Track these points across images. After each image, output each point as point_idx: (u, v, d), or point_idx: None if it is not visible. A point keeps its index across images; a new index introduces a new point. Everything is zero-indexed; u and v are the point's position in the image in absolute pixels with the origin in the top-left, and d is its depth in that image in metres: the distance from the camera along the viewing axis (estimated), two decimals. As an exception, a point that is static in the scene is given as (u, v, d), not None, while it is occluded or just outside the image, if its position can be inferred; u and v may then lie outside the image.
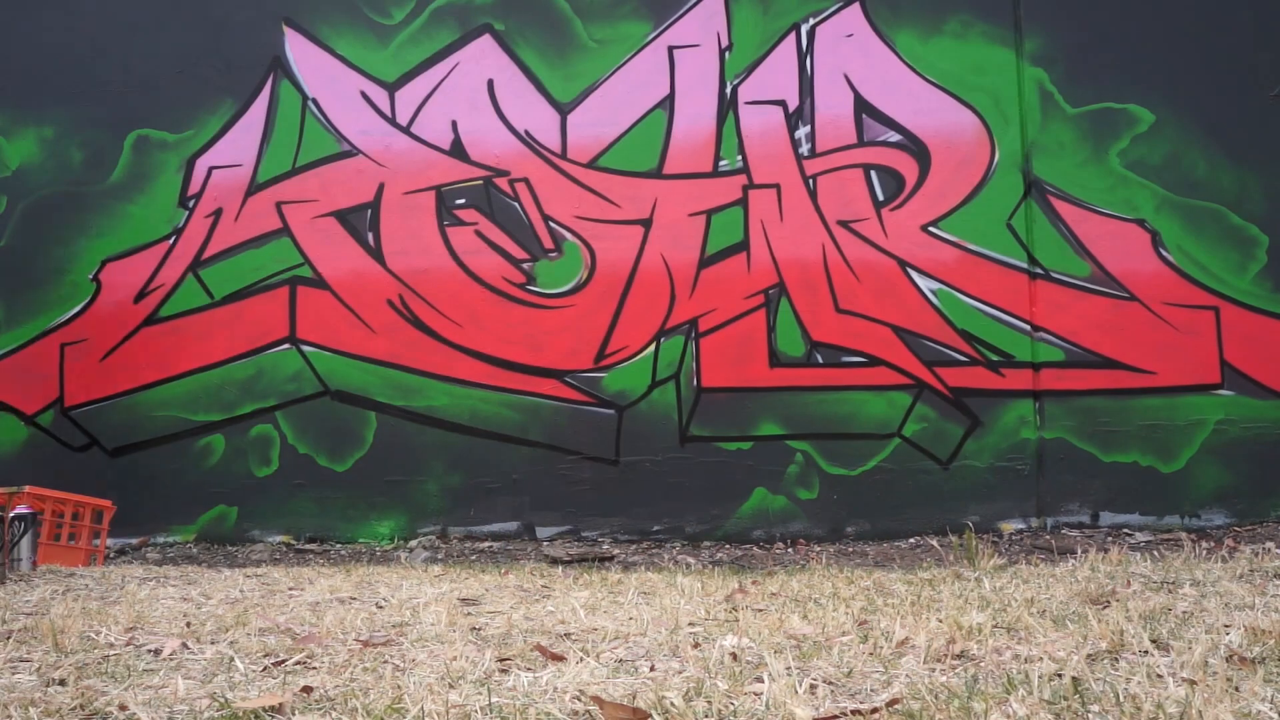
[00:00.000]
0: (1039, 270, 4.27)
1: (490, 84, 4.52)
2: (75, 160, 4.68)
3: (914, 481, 4.28)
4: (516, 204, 4.48)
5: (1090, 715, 1.29)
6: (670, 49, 4.47)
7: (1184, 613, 2.04)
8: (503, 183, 4.49)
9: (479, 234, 4.47)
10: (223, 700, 1.45)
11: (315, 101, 4.59)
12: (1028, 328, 4.25)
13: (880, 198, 4.34)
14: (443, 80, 4.54)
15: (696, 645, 1.82)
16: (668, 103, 4.45)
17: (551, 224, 4.46)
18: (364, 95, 4.58)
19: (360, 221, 4.53)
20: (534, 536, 4.40)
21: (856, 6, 4.40)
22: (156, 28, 4.69)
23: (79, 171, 4.67)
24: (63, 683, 1.61)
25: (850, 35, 4.40)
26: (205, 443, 4.53)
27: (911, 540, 4.18)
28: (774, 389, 4.33)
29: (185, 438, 4.54)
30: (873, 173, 4.35)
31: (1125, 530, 4.16)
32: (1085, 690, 1.39)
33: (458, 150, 4.51)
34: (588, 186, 4.44)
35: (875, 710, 1.34)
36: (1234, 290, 4.21)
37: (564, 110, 4.49)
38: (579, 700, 1.42)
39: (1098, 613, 2.03)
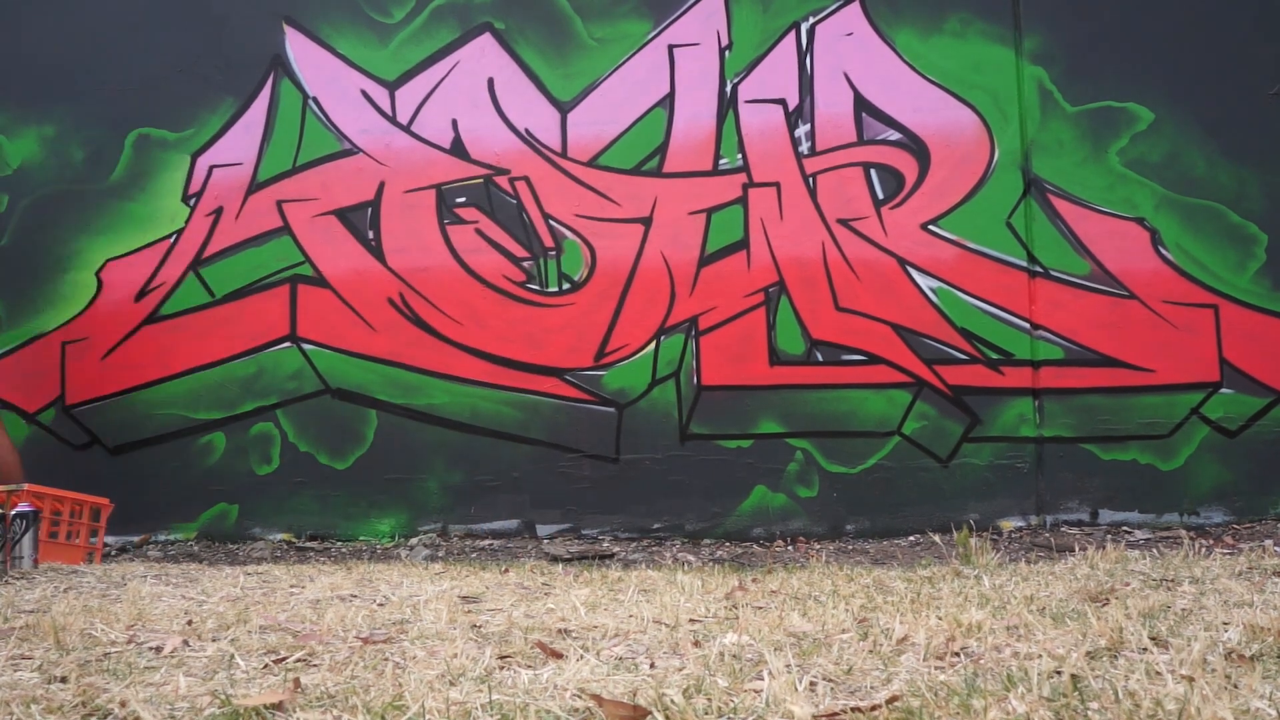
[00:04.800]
0: (1038, 268, 4.27)
1: (490, 82, 4.52)
2: (76, 159, 4.68)
3: (914, 479, 4.28)
4: (517, 202, 4.48)
5: (1089, 712, 1.30)
6: (670, 48, 4.47)
7: (1183, 610, 2.04)
8: (503, 181, 4.49)
9: (479, 232, 4.48)
10: (224, 697, 1.46)
11: (316, 100, 4.60)
12: (1027, 326, 4.26)
13: (880, 196, 4.34)
14: (443, 79, 4.54)
15: (697, 643, 1.83)
16: (668, 101, 4.45)
17: (552, 222, 4.46)
18: (364, 94, 4.58)
19: (361, 220, 4.54)
20: (534, 534, 4.40)
21: (856, 5, 4.40)
22: (157, 27, 4.69)
23: (80, 170, 4.68)
24: (64, 680, 1.62)
25: (850, 34, 4.41)
26: (206, 441, 4.54)
27: (911, 538, 4.19)
28: (774, 387, 4.34)
29: (186, 436, 4.54)
30: (872, 171, 4.35)
31: (1124, 528, 4.17)
32: (1084, 687, 1.40)
33: (458, 149, 4.51)
34: (588, 185, 4.45)
35: (875, 707, 1.35)
36: (1233, 288, 4.22)
37: (564, 109, 4.49)
38: (579, 698, 1.42)
39: (1097, 610, 2.04)
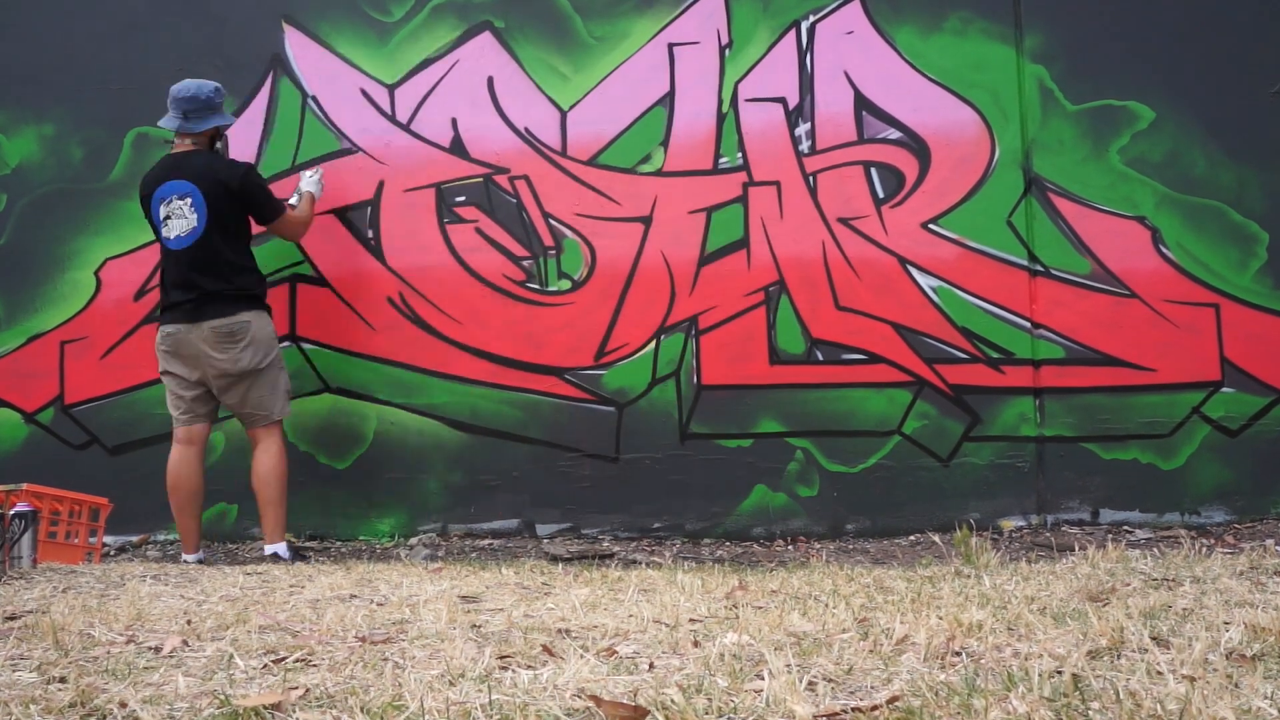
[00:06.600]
0: (1039, 267, 4.26)
1: (490, 81, 4.52)
2: (75, 158, 4.68)
3: (914, 479, 4.28)
4: (516, 201, 4.48)
5: (1090, 712, 1.29)
6: (670, 46, 4.46)
7: (1184, 610, 2.04)
8: (503, 180, 4.49)
9: (479, 231, 4.47)
10: (223, 698, 1.45)
11: (315, 99, 4.59)
12: (1028, 325, 4.25)
13: (880, 195, 4.34)
14: (443, 78, 4.53)
15: (696, 642, 1.82)
16: (668, 100, 4.45)
17: (551, 221, 4.46)
18: (364, 93, 4.57)
19: (360, 219, 4.53)
20: (534, 534, 4.40)
21: (857, 3, 4.40)
22: (156, 25, 4.68)
23: (79, 169, 4.67)
24: (63, 680, 1.61)
25: (850, 32, 4.40)
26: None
27: (912, 537, 4.19)
28: (774, 386, 4.33)
29: (185, 435, 4.53)
30: (873, 170, 4.35)
31: (1125, 527, 4.16)
32: (1085, 687, 1.39)
33: (458, 148, 4.51)
34: (588, 184, 4.44)
35: (875, 707, 1.34)
36: (1234, 287, 4.21)
37: (564, 107, 4.48)
38: (579, 698, 1.42)
39: (1098, 610, 2.03)
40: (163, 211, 4.00)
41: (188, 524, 4.04)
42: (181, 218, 3.95)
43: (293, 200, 4.29)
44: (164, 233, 4.01)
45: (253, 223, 4.12)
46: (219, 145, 4.22)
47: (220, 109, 4.12)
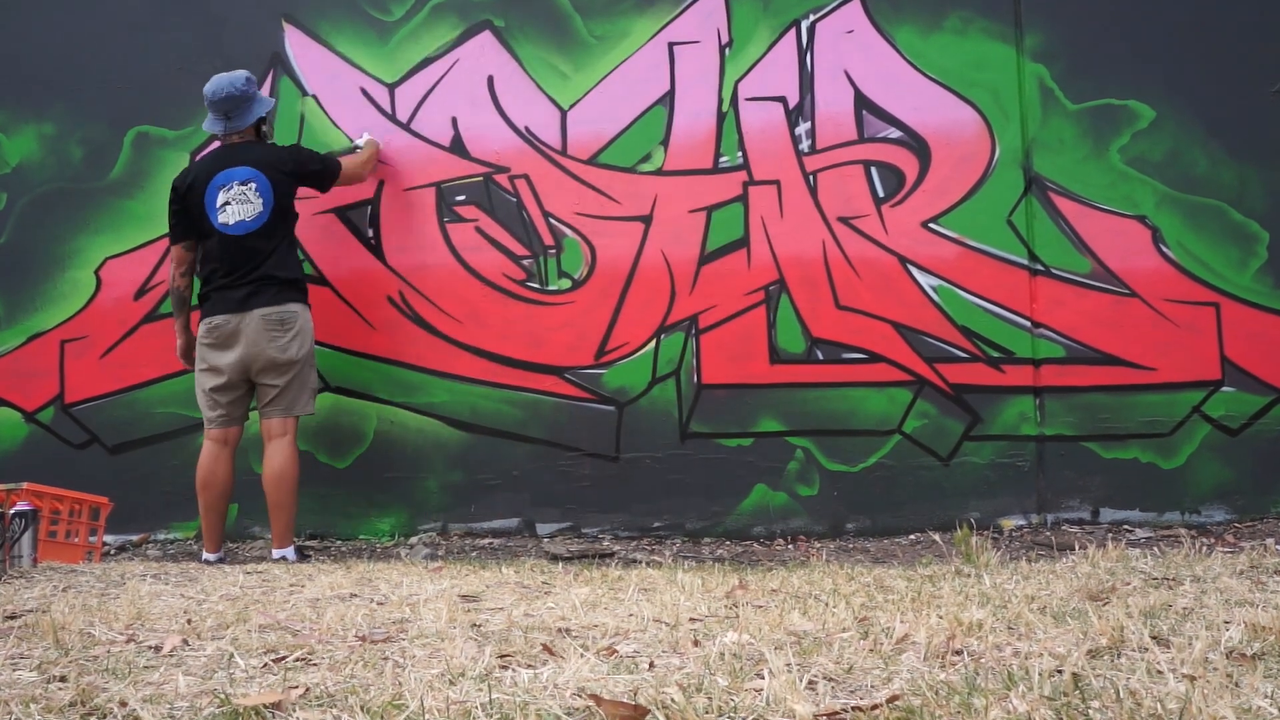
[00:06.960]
0: (1039, 266, 4.26)
1: (490, 80, 4.52)
2: (75, 157, 4.68)
3: (914, 478, 4.27)
4: (516, 200, 4.48)
5: (1091, 711, 1.29)
6: (670, 45, 4.46)
7: (1184, 609, 2.04)
8: (503, 179, 4.49)
9: (479, 230, 4.47)
10: (223, 697, 1.45)
11: (315, 98, 4.59)
12: (1028, 324, 4.25)
13: (880, 194, 4.33)
14: (443, 77, 4.53)
15: (696, 642, 1.82)
16: (668, 99, 4.44)
17: (552, 220, 4.45)
18: (364, 92, 4.57)
19: (360, 218, 4.53)
20: (534, 533, 4.40)
21: (857, 2, 4.39)
22: (156, 25, 4.68)
23: (79, 168, 4.67)
24: (63, 679, 1.61)
25: (850, 31, 4.40)
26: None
27: (912, 536, 4.18)
28: (774, 385, 4.33)
29: (185, 434, 4.53)
30: (873, 169, 4.35)
31: (1125, 526, 4.16)
32: (1085, 686, 1.39)
33: (458, 147, 4.51)
34: (588, 183, 4.44)
35: (875, 706, 1.34)
36: (1235, 287, 4.21)
37: (564, 107, 4.48)
38: (579, 697, 1.42)
39: (1098, 609, 2.03)
40: (221, 198, 3.99)
41: (214, 523, 4.02)
42: (245, 203, 3.96)
43: (359, 142, 4.46)
44: (220, 219, 3.99)
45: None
46: (265, 128, 4.22)
47: (256, 97, 4.14)
